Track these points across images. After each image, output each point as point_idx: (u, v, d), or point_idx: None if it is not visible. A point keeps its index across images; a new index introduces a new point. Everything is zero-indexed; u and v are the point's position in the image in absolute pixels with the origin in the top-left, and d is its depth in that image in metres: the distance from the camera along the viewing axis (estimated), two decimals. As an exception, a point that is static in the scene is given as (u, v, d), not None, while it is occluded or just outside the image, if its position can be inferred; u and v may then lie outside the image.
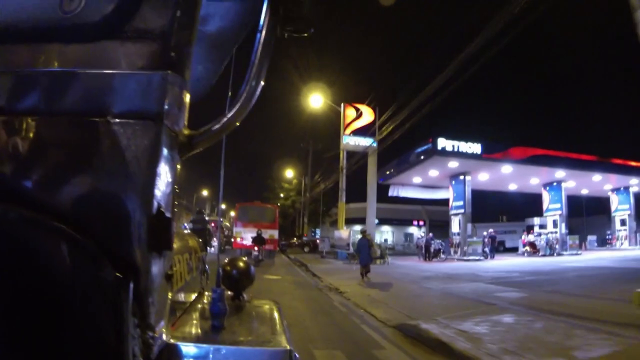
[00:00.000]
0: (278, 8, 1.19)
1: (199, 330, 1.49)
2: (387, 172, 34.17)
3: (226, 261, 2.00)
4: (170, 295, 1.23)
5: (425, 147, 28.88)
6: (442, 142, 27.57)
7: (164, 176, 1.01)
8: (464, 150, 28.04)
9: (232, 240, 31.09)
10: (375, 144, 29.22)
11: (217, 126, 1.18)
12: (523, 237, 36.77)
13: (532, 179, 34.57)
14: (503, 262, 26.87)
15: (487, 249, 30.57)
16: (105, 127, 0.97)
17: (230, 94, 1.31)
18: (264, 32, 1.18)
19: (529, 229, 38.97)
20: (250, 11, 1.41)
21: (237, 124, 1.22)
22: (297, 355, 1.30)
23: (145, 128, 0.98)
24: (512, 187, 38.11)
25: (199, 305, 1.84)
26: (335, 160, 34.60)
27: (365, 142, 30.21)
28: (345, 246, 27.83)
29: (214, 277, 1.67)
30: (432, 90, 18.61)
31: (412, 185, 36.68)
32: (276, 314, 1.84)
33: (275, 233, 31.11)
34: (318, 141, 49.13)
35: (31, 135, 0.98)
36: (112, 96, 0.99)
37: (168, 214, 1.00)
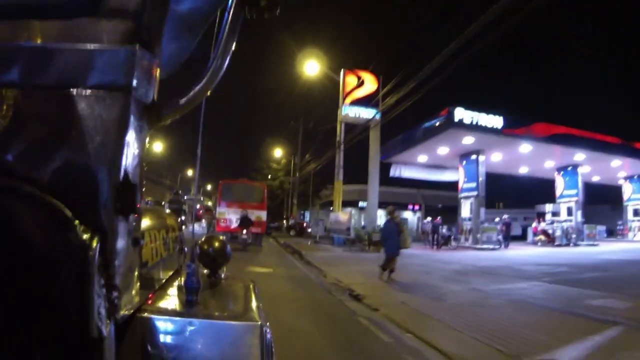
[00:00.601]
0: None
1: (174, 305, 1.46)
2: (389, 150, 29.91)
3: (203, 239, 1.94)
4: (138, 260, 1.20)
5: (437, 120, 24.73)
6: (460, 113, 23.38)
7: (132, 145, 1.03)
8: (484, 124, 23.86)
9: (215, 221, 26.77)
10: (378, 116, 24.95)
11: (183, 100, 1.19)
12: (534, 224, 32.97)
13: (547, 161, 30.89)
14: (525, 252, 23.30)
15: (500, 237, 26.73)
16: (77, 98, 0.98)
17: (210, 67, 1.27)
18: (231, 12, 1.21)
19: (540, 216, 35.12)
20: None
21: (203, 97, 1.24)
22: (269, 330, 1.32)
23: (114, 99, 1.00)
24: (523, 170, 34.16)
25: (175, 282, 1.80)
26: (330, 137, 30.49)
27: (367, 113, 25.95)
28: (345, 231, 23.59)
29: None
30: (444, 58, 14.98)
31: (416, 165, 32.33)
32: (251, 292, 1.82)
33: (263, 214, 26.82)
34: (311, 118, 45.24)
35: (6, 106, 0.99)
36: (84, 70, 1.00)
37: (134, 180, 1.02)
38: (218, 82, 1.23)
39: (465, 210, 28.66)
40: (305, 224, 42.08)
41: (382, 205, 34.98)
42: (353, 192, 43.77)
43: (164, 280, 1.78)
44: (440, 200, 50.03)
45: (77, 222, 0.91)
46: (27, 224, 0.90)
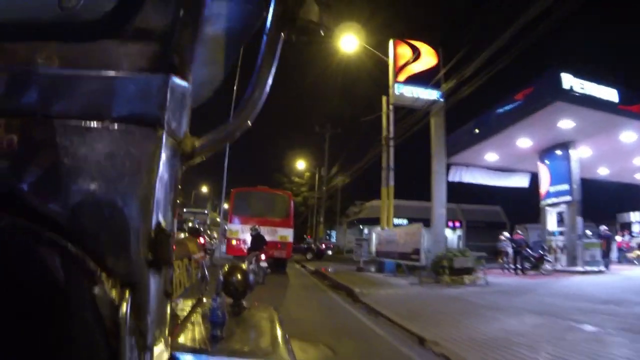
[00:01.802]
0: (286, 11, 1.06)
1: (198, 340, 1.35)
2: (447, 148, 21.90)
3: (226, 268, 1.82)
4: (169, 312, 1.04)
5: (531, 96, 17.26)
6: (569, 80, 15.78)
7: (164, 187, 0.88)
8: (597, 96, 16.23)
9: (225, 242, 19.57)
10: (435, 97, 17.64)
11: (220, 134, 1.04)
12: (619, 239, 25.03)
13: (637, 158, 22.73)
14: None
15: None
16: (102, 132, 0.85)
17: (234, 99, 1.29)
18: (270, 36, 1.06)
19: (624, 228, 27.04)
20: (257, 12, 1.20)
21: (242, 131, 1.08)
22: None
23: (144, 134, 0.86)
24: (603, 172, 25.99)
25: (198, 313, 1.68)
26: (365, 140, 23.31)
27: (427, 93, 18.36)
28: (408, 255, 15.52)
29: (213, 282, 1.68)
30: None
31: (480, 167, 24.33)
32: (276, 324, 1.68)
33: (288, 234, 19.40)
34: (341, 121, 37.61)
35: (25, 138, 0.85)
36: (110, 99, 0.87)
37: (168, 228, 0.88)
38: (259, 112, 1.07)
39: (552, 222, 20.76)
40: (325, 245, 33.94)
41: (417, 222, 26.51)
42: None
43: (186, 312, 1.69)
44: (484, 216, 42.72)
45: (104, 275, 0.79)
46: (46, 273, 0.76)
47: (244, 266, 1.90)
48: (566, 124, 17.55)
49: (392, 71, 19.07)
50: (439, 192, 17.96)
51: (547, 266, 18.10)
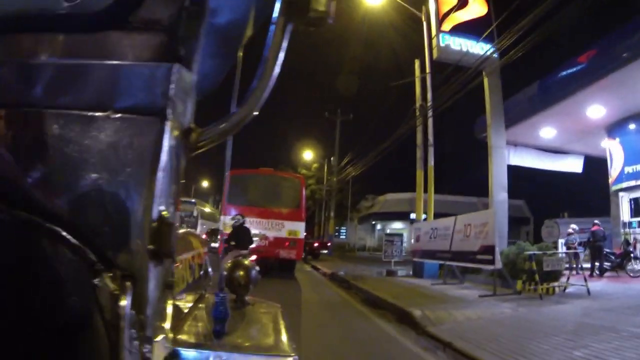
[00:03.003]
0: (294, 1, 1.00)
1: (200, 335, 1.33)
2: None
3: (229, 263, 1.82)
4: (170, 305, 1.06)
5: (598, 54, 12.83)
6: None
7: (167, 178, 0.84)
8: None
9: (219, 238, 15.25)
10: (496, 56, 13.23)
11: (224, 125, 0.99)
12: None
13: None
14: None
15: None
16: (106, 122, 0.81)
17: (237, 91, 1.29)
18: (278, 26, 1.01)
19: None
20: (263, 3, 1.15)
21: (247, 122, 1.03)
22: None
23: (148, 124, 0.82)
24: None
25: (201, 309, 1.68)
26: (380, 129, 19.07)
27: (478, 48, 13.89)
28: (474, 253, 10.76)
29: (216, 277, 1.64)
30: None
31: (530, 147, 19.54)
32: (279, 320, 1.68)
33: (299, 228, 14.98)
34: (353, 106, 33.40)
35: (26, 130, 0.82)
36: (114, 89, 0.83)
37: (170, 220, 0.83)
38: (264, 103, 1.03)
39: (626, 211, 16.25)
40: (318, 243, 29.62)
41: (437, 217, 21.99)
42: (402, 202, 33.19)
43: (188, 307, 1.63)
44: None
45: (104, 267, 0.76)
46: (46, 266, 0.75)
47: (247, 262, 1.84)
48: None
49: (434, 18, 14.67)
50: (499, 172, 13.49)
51: (636, 265, 13.58)
